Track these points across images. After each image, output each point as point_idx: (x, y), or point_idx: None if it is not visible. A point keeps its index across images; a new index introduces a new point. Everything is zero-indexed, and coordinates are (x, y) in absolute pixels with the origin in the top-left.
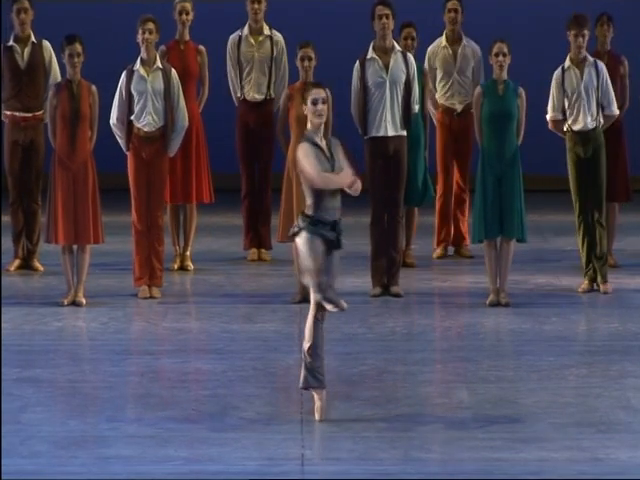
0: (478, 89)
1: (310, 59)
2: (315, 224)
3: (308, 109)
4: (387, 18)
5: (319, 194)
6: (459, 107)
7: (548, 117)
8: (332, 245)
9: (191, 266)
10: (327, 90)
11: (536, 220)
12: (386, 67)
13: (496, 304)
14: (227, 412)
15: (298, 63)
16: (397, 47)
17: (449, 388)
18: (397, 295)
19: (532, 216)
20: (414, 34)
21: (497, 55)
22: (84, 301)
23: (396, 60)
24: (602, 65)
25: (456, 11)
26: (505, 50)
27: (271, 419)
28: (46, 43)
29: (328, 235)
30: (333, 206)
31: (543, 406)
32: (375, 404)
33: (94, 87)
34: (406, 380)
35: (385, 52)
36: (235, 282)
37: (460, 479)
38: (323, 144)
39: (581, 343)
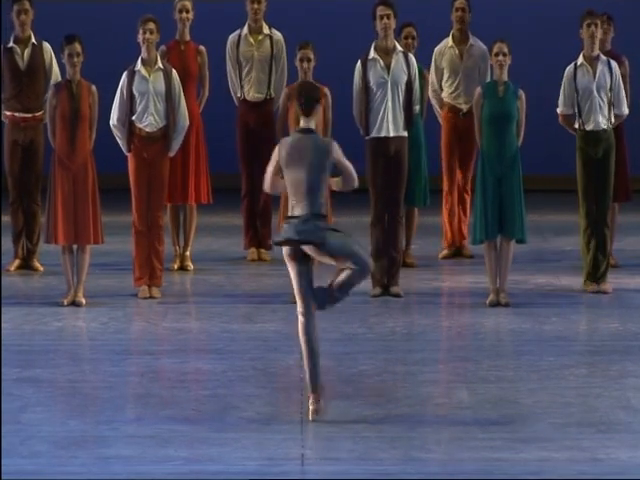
0: (478, 90)
1: (309, 60)
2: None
3: None
4: (388, 18)
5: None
6: (465, 107)
7: (558, 111)
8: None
9: (191, 266)
10: (327, 90)
11: (536, 220)
12: (387, 68)
13: (496, 304)
14: (227, 412)
15: (297, 64)
16: (398, 47)
17: (449, 388)
18: (397, 295)
19: (532, 216)
20: (414, 33)
21: (497, 55)
22: (84, 301)
23: (397, 60)
24: (615, 64)
25: (464, 10)
26: (505, 50)
27: (271, 419)
28: (46, 45)
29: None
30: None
31: (543, 406)
32: (375, 404)
33: (94, 87)
34: (406, 380)
35: (387, 52)
36: (235, 282)
37: (460, 479)
38: None
39: (581, 343)
